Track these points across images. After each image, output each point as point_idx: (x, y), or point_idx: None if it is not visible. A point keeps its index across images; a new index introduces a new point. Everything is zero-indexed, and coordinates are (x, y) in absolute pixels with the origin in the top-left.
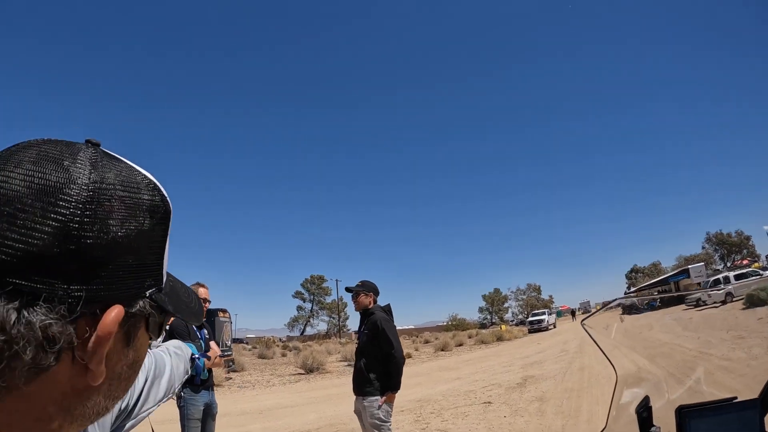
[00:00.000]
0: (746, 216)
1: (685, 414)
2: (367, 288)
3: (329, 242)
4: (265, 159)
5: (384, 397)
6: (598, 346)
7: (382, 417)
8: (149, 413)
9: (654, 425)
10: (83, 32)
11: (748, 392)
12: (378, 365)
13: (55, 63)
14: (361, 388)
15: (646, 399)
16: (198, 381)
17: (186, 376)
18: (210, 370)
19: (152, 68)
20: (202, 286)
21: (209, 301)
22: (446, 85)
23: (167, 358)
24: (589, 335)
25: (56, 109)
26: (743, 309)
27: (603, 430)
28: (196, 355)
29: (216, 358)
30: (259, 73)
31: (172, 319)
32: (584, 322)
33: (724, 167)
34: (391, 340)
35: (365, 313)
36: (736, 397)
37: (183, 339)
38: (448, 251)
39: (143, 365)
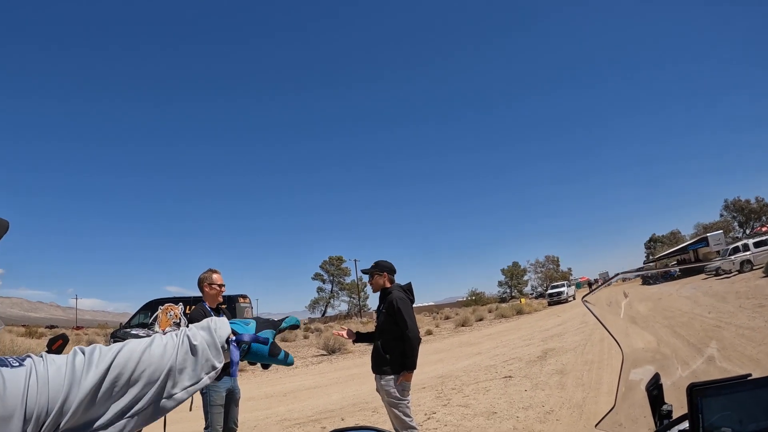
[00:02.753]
0: (765, 182)
1: (697, 392)
2: (381, 268)
3: (346, 223)
4: (279, 143)
5: (400, 377)
6: (600, 322)
7: (399, 395)
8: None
9: (665, 403)
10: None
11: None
12: (395, 344)
13: None
14: (378, 367)
15: (657, 376)
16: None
17: (212, 372)
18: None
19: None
20: (215, 272)
21: (224, 287)
22: (464, 55)
23: (155, 355)
24: (591, 312)
25: None
26: (763, 277)
27: (612, 408)
28: (234, 339)
29: None
30: (260, 59)
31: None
32: (585, 298)
33: (742, 133)
34: (406, 319)
35: (383, 293)
36: (750, 375)
37: None
38: (466, 227)
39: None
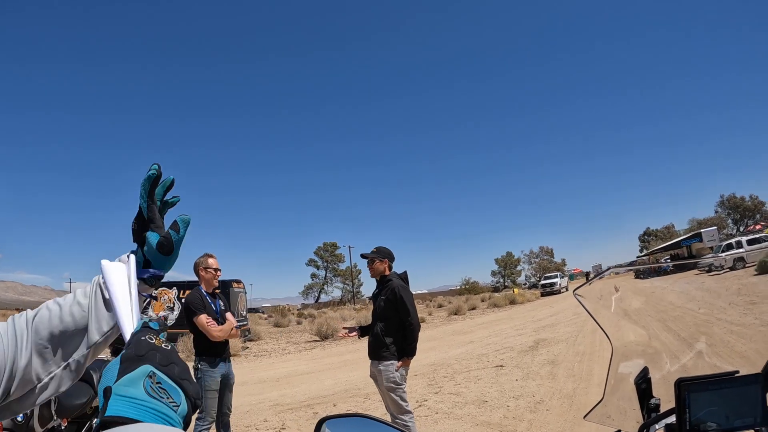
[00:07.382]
0: (761, 181)
1: (684, 387)
2: (382, 254)
3: (341, 209)
4: (273, 126)
5: (400, 362)
6: (590, 315)
7: (398, 380)
8: None
9: (653, 396)
10: None
11: (757, 357)
12: (394, 331)
13: None
14: (377, 352)
15: (645, 370)
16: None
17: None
18: (227, 342)
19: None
20: (211, 256)
21: (220, 271)
22: (470, 36)
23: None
24: (582, 305)
25: None
26: (755, 275)
27: (601, 400)
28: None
29: (232, 329)
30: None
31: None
32: (576, 291)
33: (739, 130)
34: (409, 308)
35: (383, 280)
36: (737, 371)
37: (198, 312)
38: (460, 215)
39: None
